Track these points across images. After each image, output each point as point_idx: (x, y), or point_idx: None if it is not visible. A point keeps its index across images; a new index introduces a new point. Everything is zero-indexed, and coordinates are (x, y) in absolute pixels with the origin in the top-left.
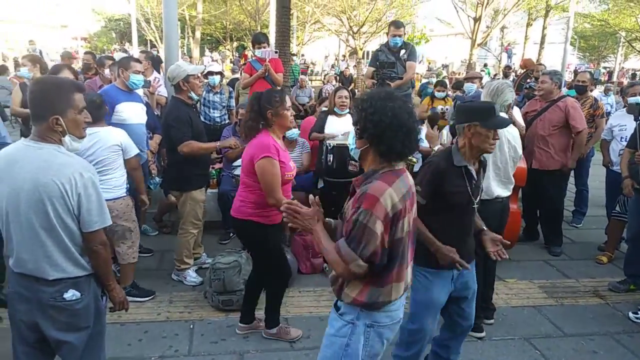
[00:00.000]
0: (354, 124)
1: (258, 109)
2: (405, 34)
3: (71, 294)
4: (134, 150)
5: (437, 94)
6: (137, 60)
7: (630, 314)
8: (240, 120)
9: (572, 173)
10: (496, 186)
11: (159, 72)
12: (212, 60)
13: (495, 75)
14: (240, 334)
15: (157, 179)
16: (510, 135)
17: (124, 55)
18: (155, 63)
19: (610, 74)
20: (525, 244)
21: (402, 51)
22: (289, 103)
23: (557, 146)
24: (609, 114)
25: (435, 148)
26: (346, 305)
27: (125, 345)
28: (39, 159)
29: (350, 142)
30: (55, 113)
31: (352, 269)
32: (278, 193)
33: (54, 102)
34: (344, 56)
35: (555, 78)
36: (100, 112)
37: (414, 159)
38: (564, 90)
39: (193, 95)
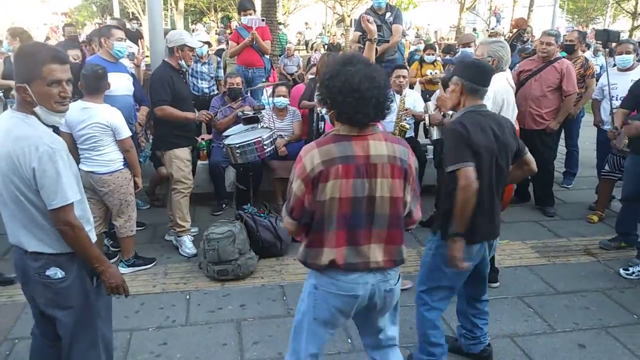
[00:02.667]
0: (317, 88)
1: None
2: None
3: (53, 272)
4: (125, 132)
5: (426, 57)
6: (118, 27)
7: (621, 270)
8: (230, 89)
9: (562, 134)
10: None
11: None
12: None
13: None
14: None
15: (147, 151)
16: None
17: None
18: (133, 37)
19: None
20: (517, 205)
21: (388, 14)
22: None
23: (549, 107)
24: (599, 75)
25: (430, 112)
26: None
27: (122, 317)
28: (3, 128)
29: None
30: (22, 81)
31: (286, 224)
32: None
33: (22, 71)
34: (306, 23)
35: (559, 40)
36: (100, 84)
37: (407, 125)
38: None
39: (183, 63)
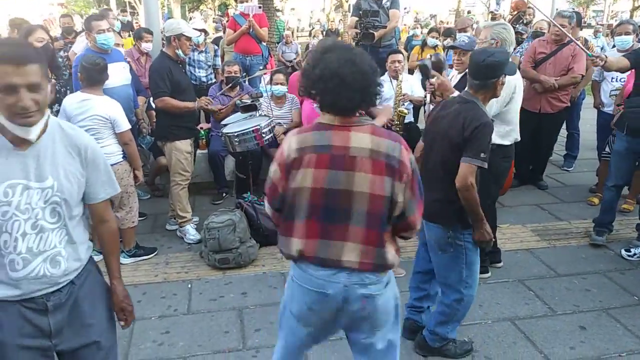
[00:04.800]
0: (299, 79)
1: None
2: None
3: None
4: (124, 125)
5: (429, 40)
6: (100, 18)
7: (623, 252)
8: (228, 77)
9: None
10: None
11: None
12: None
13: (479, 23)
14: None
15: (149, 138)
16: None
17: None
18: (124, 30)
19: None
20: (518, 189)
21: None
22: None
23: (564, 89)
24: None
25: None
26: None
27: None
28: None
29: None
30: None
31: (266, 209)
32: None
33: None
34: (292, 9)
35: (572, 21)
36: (100, 76)
37: (405, 111)
38: None
39: (180, 53)
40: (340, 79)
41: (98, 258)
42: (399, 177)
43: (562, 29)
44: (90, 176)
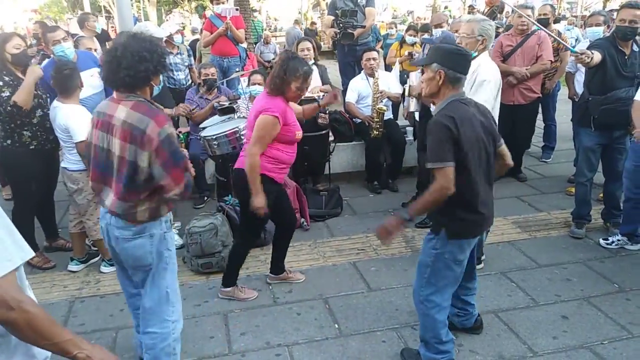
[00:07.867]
0: None
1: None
2: None
3: None
4: (78, 136)
5: (407, 38)
6: (53, 29)
7: (601, 241)
8: (205, 80)
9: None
10: None
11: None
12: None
13: (460, 17)
14: (222, 297)
15: None
16: None
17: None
18: (100, 39)
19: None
20: (497, 182)
21: None
22: (307, 83)
23: (535, 79)
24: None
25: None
26: None
27: (107, 316)
28: None
29: None
30: None
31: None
32: (258, 149)
33: None
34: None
35: (535, 12)
36: (67, 84)
37: (384, 107)
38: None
39: None
40: (125, 64)
41: (108, 269)
42: (141, 145)
43: (528, 17)
44: None
